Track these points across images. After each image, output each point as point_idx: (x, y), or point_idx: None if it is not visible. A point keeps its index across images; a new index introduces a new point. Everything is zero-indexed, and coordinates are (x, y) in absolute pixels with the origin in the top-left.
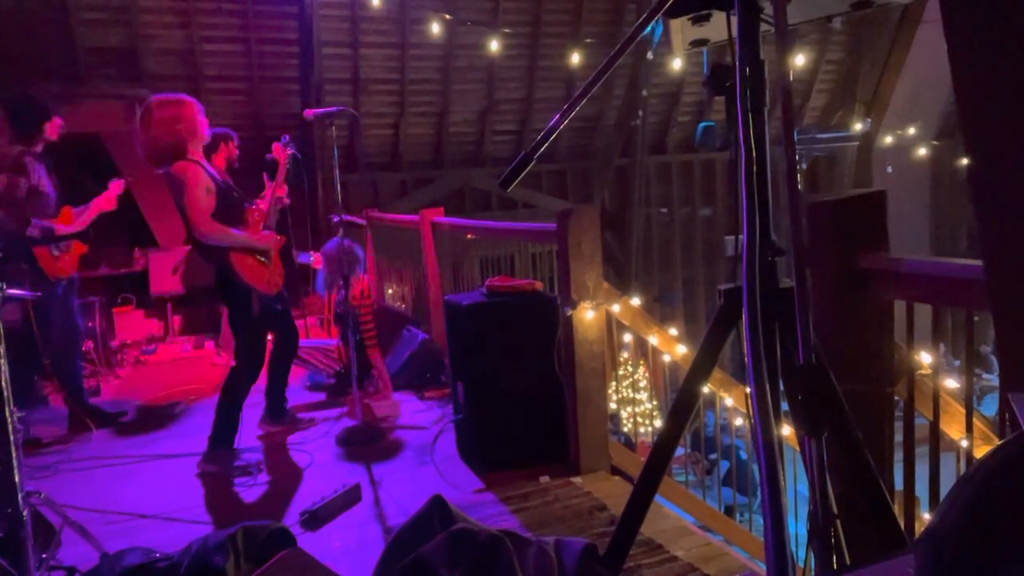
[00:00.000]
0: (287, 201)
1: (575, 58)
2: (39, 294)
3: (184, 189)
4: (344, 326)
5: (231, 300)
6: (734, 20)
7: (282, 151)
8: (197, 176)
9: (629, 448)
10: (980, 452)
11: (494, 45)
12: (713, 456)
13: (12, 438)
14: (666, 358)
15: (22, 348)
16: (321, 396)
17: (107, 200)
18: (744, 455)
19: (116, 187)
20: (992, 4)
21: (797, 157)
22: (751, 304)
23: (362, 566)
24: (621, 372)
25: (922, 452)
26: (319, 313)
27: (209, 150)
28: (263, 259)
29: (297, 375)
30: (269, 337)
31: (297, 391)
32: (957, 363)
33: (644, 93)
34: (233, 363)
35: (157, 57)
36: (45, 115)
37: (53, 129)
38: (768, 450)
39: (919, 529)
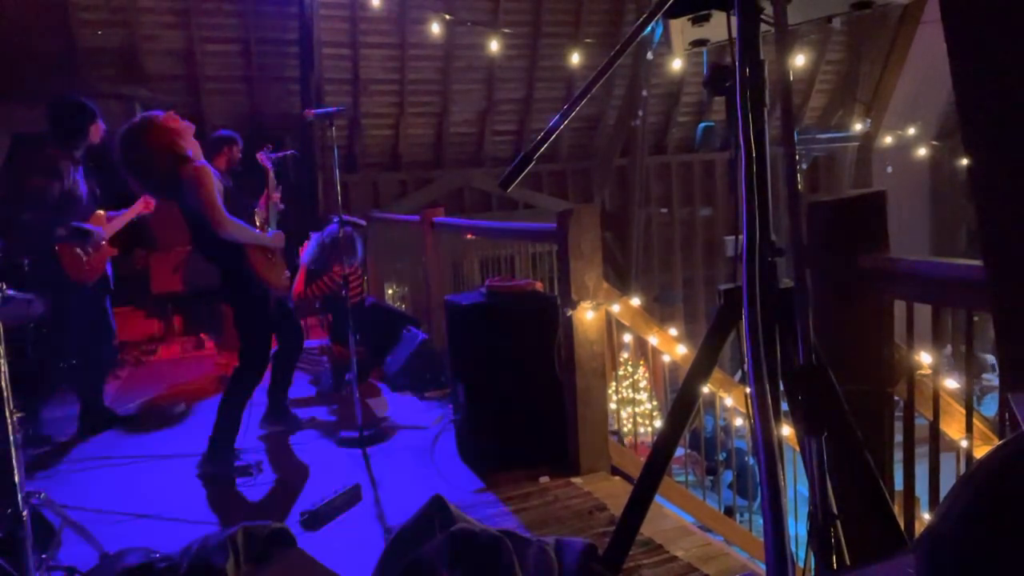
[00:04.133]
0: (281, 206)
1: (575, 58)
2: (32, 297)
3: (198, 189)
4: (336, 315)
5: (242, 299)
6: (734, 20)
7: (266, 159)
8: (207, 175)
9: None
10: (980, 452)
11: (494, 45)
12: (720, 457)
13: (12, 438)
14: (666, 358)
15: (43, 346)
16: (321, 397)
17: (145, 204)
18: (752, 460)
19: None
20: (991, 4)
21: (797, 157)
22: (751, 304)
23: (362, 566)
24: (621, 372)
25: (922, 452)
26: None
27: (211, 152)
28: (272, 258)
29: (299, 376)
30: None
31: (298, 391)
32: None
33: (644, 93)
34: (236, 363)
35: (157, 57)
36: (91, 118)
37: (96, 132)
38: (768, 450)
39: (919, 529)
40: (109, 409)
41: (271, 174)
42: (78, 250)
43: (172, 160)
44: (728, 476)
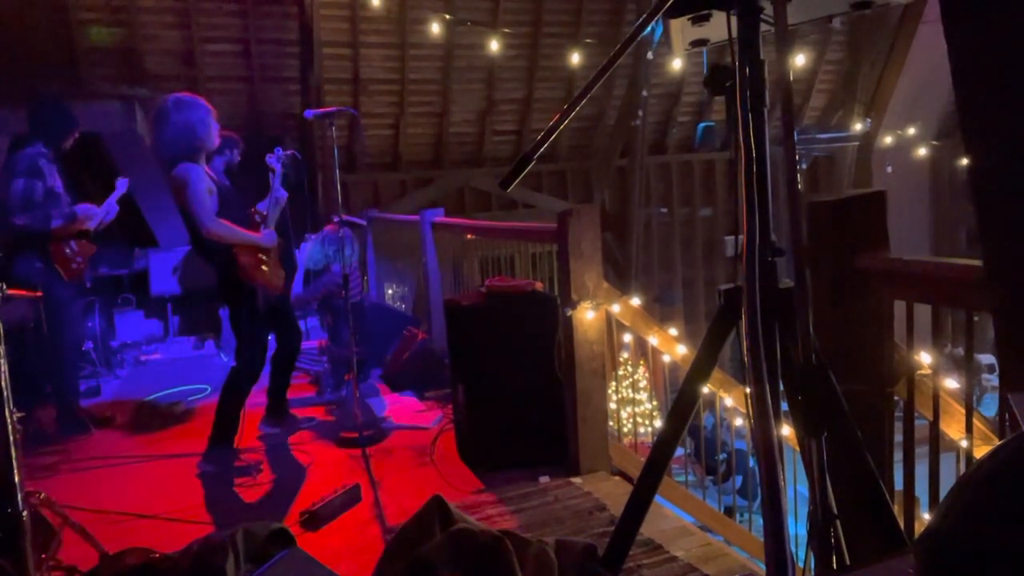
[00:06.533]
0: (285, 196)
1: (575, 58)
2: (39, 293)
3: (186, 190)
4: (335, 315)
5: (234, 299)
6: (734, 20)
7: (275, 161)
8: (199, 176)
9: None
10: (980, 452)
11: (494, 45)
12: (720, 457)
13: (12, 438)
14: (666, 358)
15: (32, 347)
16: (321, 397)
17: (117, 200)
18: (754, 461)
19: (123, 185)
20: (991, 5)
21: (797, 157)
22: (751, 304)
23: (362, 566)
24: (621, 372)
25: (922, 452)
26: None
27: (212, 152)
28: (265, 258)
29: (299, 376)
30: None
31: (298, 391)
32: None
33: (644, 93)
34: (233, 363)
35: (157, 57)
36: (74, 126)
37: (72, 140)
38: (768, 450)
39: (919, 529)
40: (86, 409)
41: (279, 175)
42: (67, 250)
43: (178, 148)
44: (734, 480)
